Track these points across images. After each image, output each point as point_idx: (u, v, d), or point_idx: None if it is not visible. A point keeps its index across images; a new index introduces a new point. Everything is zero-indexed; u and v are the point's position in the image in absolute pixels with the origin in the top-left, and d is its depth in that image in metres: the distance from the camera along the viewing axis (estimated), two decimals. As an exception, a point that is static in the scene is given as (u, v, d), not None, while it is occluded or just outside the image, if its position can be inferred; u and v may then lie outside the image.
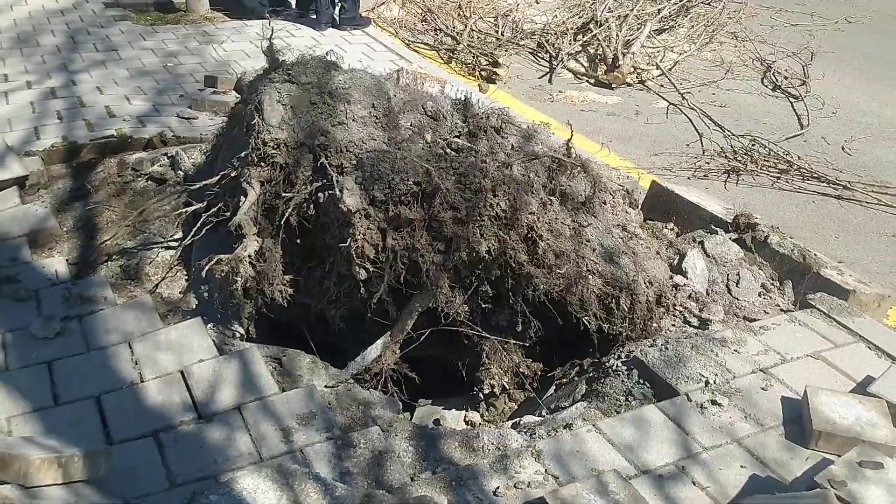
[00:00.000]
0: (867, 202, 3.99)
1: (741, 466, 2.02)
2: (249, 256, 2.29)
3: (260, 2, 5.97)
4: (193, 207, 2.60)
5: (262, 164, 2.35)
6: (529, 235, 2.27)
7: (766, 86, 5.59)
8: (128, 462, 1.95)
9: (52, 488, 1.72)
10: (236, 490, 1.83)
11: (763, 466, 2.02)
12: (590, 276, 2.45)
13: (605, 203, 2.80)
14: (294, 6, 5.93)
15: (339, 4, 5.70)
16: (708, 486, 1.95)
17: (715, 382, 2.32)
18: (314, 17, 5.68)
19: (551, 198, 2.39)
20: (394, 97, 2.42)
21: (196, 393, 2.19)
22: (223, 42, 5.15)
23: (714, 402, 2.23)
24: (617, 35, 5.90)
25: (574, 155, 2.52)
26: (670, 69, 5.70)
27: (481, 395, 2.79)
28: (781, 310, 2.79)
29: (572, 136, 2.62)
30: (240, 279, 2.32)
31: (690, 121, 4.90)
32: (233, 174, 2.42)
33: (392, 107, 2.38)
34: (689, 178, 4.13)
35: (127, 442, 2.02)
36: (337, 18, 5.71)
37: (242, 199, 2.36)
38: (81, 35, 5.16)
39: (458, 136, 2.37)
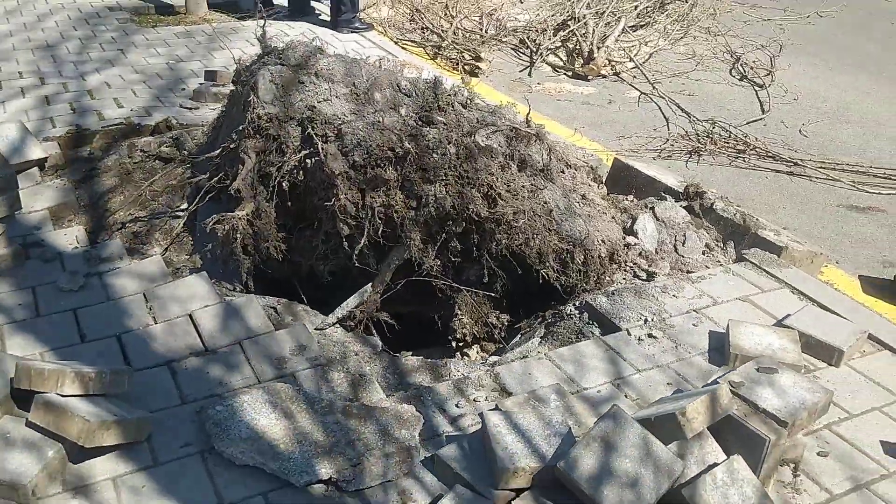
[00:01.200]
0: (816, 177, 4.37)
1: (667, 384, 2.39)
2: (247, 215, 2.66)
3: (256, 3, 6.34)
4: (198, 178, 2.98)
5: (257, 135, 2.73)
6: (489, 193, 2.64)
7: (734, 76, 5.97)
8: (146, 384, 2.32)
9: (92, 398, 2.09)
10: (238, 402, 2.21)
11: (686, 383, 2.39)
12: (546, 233, 2.83)
13: (563, 172, 3.17)
14: (287, 6, 6.32)
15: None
16: (637, 399, 2.32)
17: (652, 320, 2.69)
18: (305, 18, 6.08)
19: (510, 162, 2.77)
20: (373, 77, 2.81)
21: (203, 332, 2.55)
22: (221, 40, 5.54)
23: (650, 336, 2.61)
24: (594, 30, 6.29)
25: (531, 126, 2.90)
26: (644, 62, 6.09)
27: (455, 345, 3.17)
28: (721, 266, 3.16)
29: (530, 110, 3.00)
30: (239, 237, 2.70)
31: (659, 108, 5.28)
32: (232, 146, 2.80)
33: (371, 85, 2.76)
34: (653, 158, 4.50)
35: (145, 370, 2.39)
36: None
37: (240, 167, 2.74)
38: (89, 36, 5.55)
39: (428, 111, 2.74)
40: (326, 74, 2.78)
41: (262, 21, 2.94)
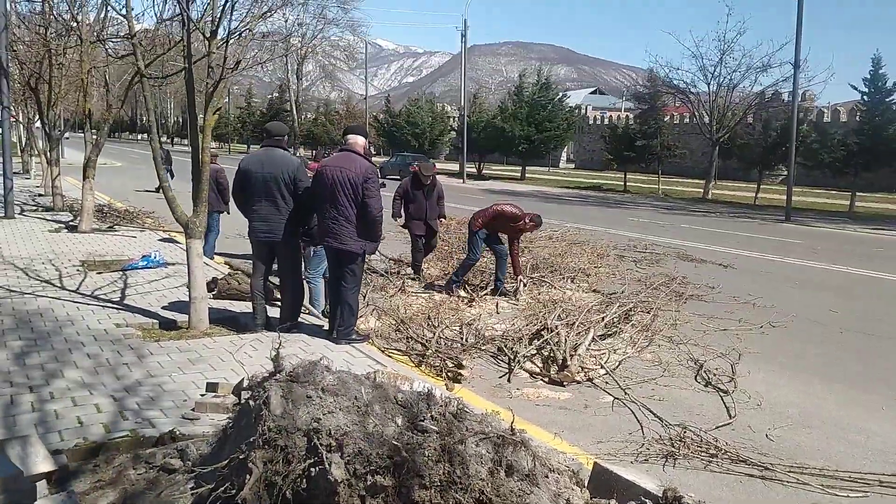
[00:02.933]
0: (787, 481, 4.62)
1: None
2: (252, 524, 2.84)
3: (254, 321, 6.94)
4: (203, 488, 3.19)
5: (266, 446, 3.02)
6: (481, 499, 2.89)
7: (699, 382, 6.47)
8: None
9: None
10: None
11: None
12: (535, 537, 3.01)
13: (547, 477, 3.43)
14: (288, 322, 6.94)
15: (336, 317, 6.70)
16: None
17: None
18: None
19: (498, 468, 3.05)
20: (371, 391, 3.19)
21: None
22: (221, 355, 6.01)
23: None
24: (566, 339, 6.90)
25: (516, 434, 3.23)
26: (614, 368, 6.61)
27: None
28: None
29: (514, 419, 3.35)
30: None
31: (633, 413, 5.66)
32: (241, 457, 3.07)
33: (371, 398, 3.13)
34: (631, 462, 4.77)
35: None
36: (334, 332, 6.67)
37: (248, 476, 2.99)
38: (95, 353, 6.00)
39: (422, 420, 3.08)
40: (332, 389, 3.16)
41: (275, 342, 3.39)
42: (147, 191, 23.37)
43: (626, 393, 6.05)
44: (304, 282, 7.83)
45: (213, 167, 11.10)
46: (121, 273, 9.43)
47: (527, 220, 9.57)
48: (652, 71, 37.96)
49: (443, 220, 11.09)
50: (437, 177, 10.90)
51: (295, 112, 65.60)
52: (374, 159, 7.27)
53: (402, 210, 10.75)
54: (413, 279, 10.26)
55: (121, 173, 32.72)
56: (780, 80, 34.90)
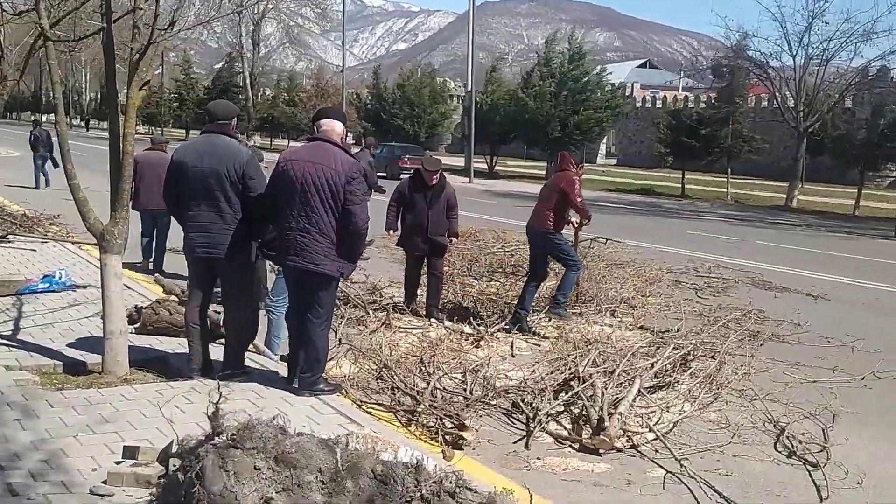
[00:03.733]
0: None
1: None
2: None
3: (189, 365, 6.91)
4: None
5: (200, 534, 2.98)
6: None
7: (780, 451, 6.44)
8: None
9: None
10: None
11: None
12: None
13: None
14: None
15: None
16: None
17: None
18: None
19: (509, 568, 3.01)
20: (341, 461, 3.15)
21: None
22: (144, 409, 5.98)
23: None
24: (603, 393, 6.87)
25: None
26: (667, 432, 6.58)
27: None
28: None
29: (532, 499, 3.31)
30: None
31: (691, 492, 5.63)
32: (165, 547, 3.03)
33: (341, 471, 3.10)
34: (689, 558, 4.73)
35: None
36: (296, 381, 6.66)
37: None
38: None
39: (408, 502, 3.05)
40: (289, 458, 3.13)
41: (214, 394, 3.37)
42: (26, 187, 23.37)
43: (682, 465, 6.01)
44: (263, 312, 7.83)
45: (164, 157, 11.22)
46: (14, 298, 9.40)
47: (575, 169, 10.02)
48: (742, 32, 37.07)
49: (454, 239, 10.67)
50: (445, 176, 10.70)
51: (249, 88, 66.16)
52: (352, 151, 7.26)
53: (398, 220, 10.51)
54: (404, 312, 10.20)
55: (19, 166, 32.81)
56: (887, 53, 35.02)
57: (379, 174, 20.21)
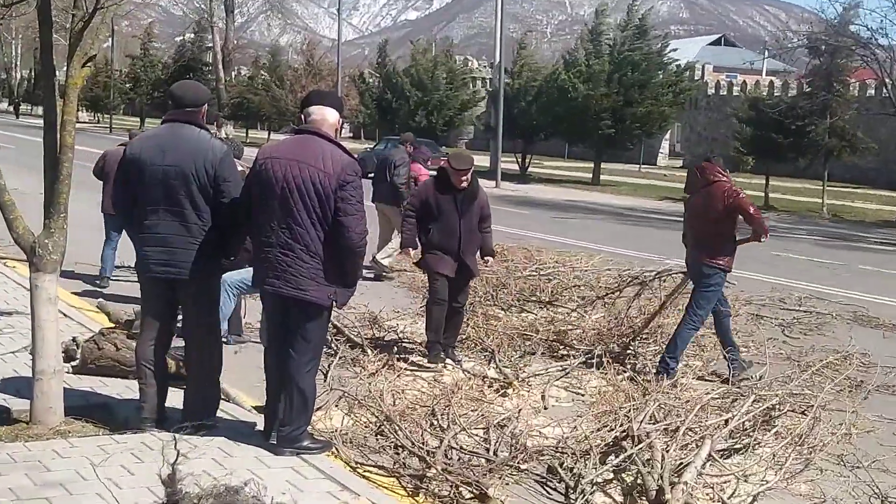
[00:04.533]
0: None
1: None
2: None
3: (139, 414, 6.90)
4: None
5: None
6: None
7: (890, 533, 6.36)
8: None
9: None
10: None
11: None
12: None
13: None
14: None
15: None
16: None
17: None
18: None
19: None
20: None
21: None
22: (82, 470, 5.97)
23: None
24: (663, 456, 6.82)
25: None
26: (745, 508, 6.52)
27: None
28: None
29: None
30: None
31: (776, 585, 5.56)
32: None
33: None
34: None
35: None
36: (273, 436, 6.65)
37: None
38: None
39: None
40: (263, 536, 3.10)
41: (171, 451, 3.35)
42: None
43: (765, 550, 5.95)
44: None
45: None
46: (-78, 327, 9.45)
47: (726, 176, 9.92)
48: (847, 2, 36.77)
49: (490, 260, 10.63)
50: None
51: (221, 67, 66.44)
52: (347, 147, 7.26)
53: (418, 235, 10.20)
54: (427, 357, 9.98)
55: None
56: None
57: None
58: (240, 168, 8.10)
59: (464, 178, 9.83)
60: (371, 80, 56.57)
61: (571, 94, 44.12)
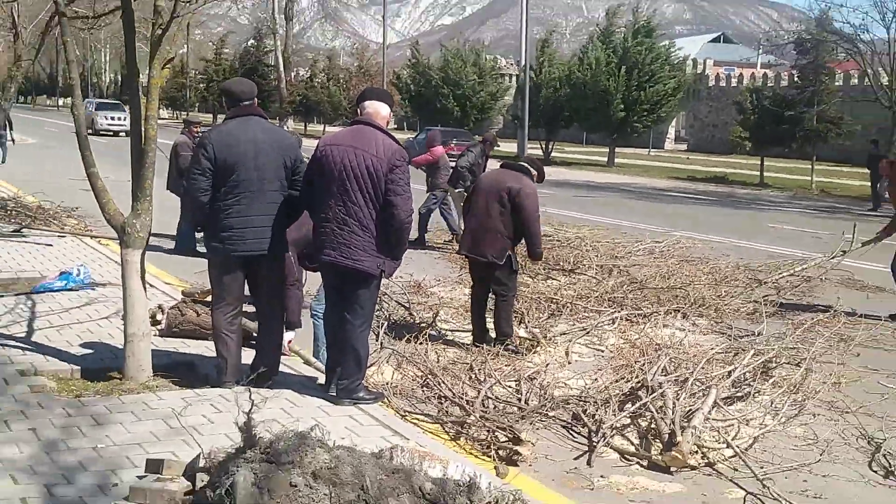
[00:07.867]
0: None
1: None
2: None
3: (219, 376, 6.91)
4: None
5: (231, 557, 2.97)
6: None
7: (876, 471, 6.31)
8: None
9: None
10: None
11: None
12: None
13: None
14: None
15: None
16: None
17: None
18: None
19: None
20: (386, 478, 3.13)
21: None
22: (168, 418, 6.02)
23: None
24: (674, 404, 6.79)
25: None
26: (747, 449, 6.48)
27: None
28: None
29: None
30: None
31: (776, 525, 5.54)
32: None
33: (384, 490, 3.07)
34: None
35: None
36: (333, 388, 6.67)
37: None
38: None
39: (460, 525, 3.01)
40: (327, 475, 3.11)
41: (245, 402, 3.36)
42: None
43: (764, 486, 5.91)
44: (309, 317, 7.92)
45: None
46: (28, 297, 9.54)
47: None
48: (825, 2, 36.64)
49: (535, 257, 9.56)
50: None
51: (282, 67, 66.30)
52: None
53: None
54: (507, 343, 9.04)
55: (34, 153, 33.38)
56: None
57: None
58: None
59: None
60: (405, 78, 56.64)
61: (584, 86, 44.31)
